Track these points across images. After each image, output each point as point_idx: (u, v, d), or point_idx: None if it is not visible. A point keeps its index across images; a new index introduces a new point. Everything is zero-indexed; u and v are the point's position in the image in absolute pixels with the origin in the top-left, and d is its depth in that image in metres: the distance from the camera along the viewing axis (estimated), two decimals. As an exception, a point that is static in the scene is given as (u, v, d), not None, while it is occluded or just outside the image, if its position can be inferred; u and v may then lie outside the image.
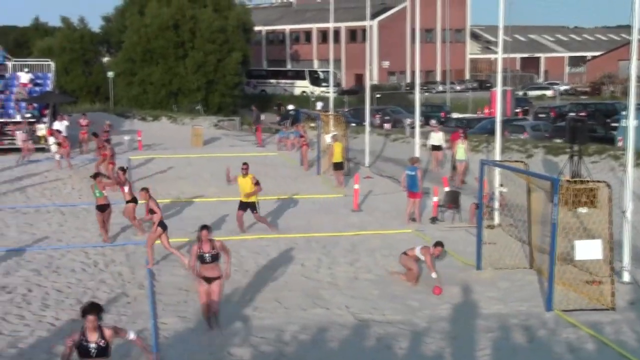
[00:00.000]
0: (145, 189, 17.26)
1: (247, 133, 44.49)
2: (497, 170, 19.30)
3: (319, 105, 56.03)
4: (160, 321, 13.14)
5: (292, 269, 16.48)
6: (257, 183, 19.33)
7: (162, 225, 16.56)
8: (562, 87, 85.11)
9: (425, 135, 30.42)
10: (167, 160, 32.11)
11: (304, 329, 12.82)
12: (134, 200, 19.62)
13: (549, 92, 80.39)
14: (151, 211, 16.65)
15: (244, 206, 19.49)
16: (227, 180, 20.14)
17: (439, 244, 15.16)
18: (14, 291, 14.87)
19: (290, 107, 57.65)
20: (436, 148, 30.19)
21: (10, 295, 14.63)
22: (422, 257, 15.01)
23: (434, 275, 14.72)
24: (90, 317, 8.56)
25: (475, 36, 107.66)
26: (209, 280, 12.40)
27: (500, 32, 20.70)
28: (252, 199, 19.42)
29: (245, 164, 19.77)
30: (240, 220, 19.62)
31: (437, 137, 30.23)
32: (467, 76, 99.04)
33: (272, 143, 38.63)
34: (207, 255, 12.30)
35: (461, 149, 27.18)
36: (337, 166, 26.63)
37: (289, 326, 12.89)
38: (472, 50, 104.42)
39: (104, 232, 18.72)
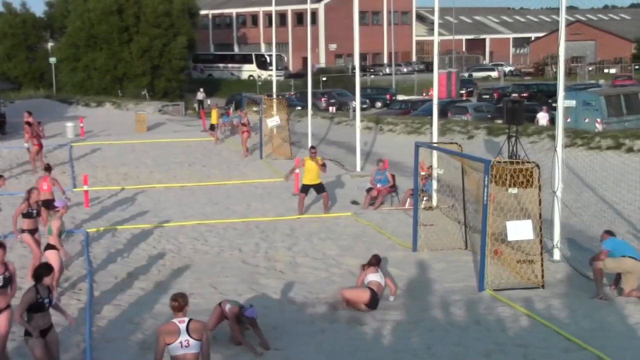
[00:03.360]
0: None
1: (191, 118, 44.16)
2: (435, 153, 19.48)
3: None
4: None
5: (230, 255, 16.47)
6: (324, 165, 20.00)
7: None
8: (507, 68, 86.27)
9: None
10: (109, 147, 31.74)
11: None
12: None
13: (494, 74, 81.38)
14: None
15: (307, 189, 19.93)
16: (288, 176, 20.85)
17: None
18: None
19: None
20: None
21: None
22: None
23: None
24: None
25: (421, 18, 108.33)
26: None
27: (436, 14, 20.92)
28: (318, 181, 19.86)
29: (313, 147, 21.17)
30: (302, 202, 19.96)
31: None
32: (414, 58, 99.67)
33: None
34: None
35: None
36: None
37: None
38: (418, 33, 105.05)
39: None
